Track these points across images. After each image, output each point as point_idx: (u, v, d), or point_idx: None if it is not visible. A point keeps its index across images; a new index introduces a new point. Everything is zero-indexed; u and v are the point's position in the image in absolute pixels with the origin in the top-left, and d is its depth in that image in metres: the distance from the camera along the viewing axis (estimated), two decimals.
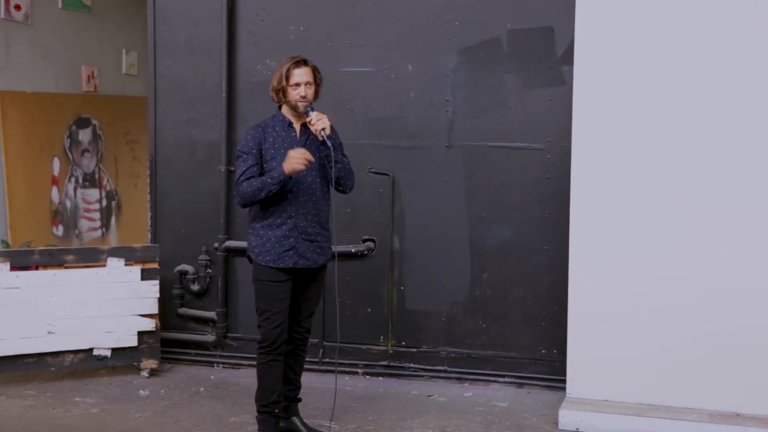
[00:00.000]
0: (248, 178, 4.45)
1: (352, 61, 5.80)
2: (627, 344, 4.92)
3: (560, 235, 5.30)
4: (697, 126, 4.78)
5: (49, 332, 5.62)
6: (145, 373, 5.82)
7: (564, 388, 5.12)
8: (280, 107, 4.61)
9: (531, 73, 5.50)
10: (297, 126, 4.57)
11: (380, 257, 5.83)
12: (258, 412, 4.62)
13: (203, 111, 6.06)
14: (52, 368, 5.70)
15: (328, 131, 4.43)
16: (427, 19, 5.66)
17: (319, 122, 4.42)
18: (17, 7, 7.15)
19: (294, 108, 4.51)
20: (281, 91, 4.51)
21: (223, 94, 5.95)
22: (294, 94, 4.48)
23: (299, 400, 4.79)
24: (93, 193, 8.19)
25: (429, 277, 5.76)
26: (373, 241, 5.84)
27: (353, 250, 5.83)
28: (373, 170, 5.79)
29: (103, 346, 5.74)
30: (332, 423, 4.91)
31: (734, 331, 4.75)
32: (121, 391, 5.56)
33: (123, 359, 5.80)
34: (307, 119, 4.45)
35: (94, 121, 8.15)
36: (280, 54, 5.85)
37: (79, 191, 8.01)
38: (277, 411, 4.62)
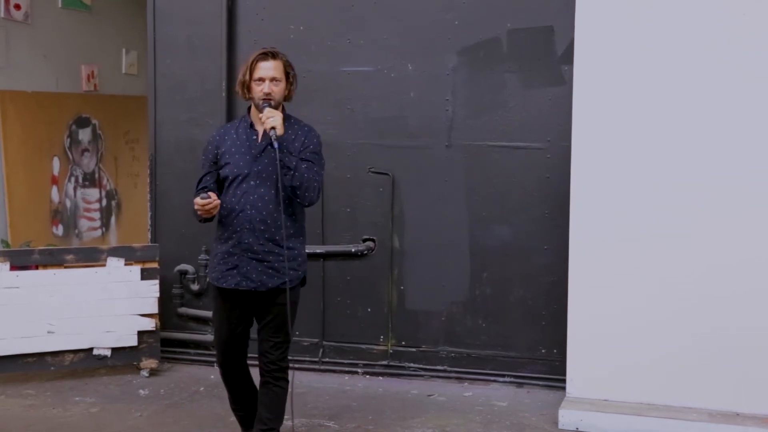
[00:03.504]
0: (203, 188, 4.07)
1: (352, 61, 5.80)
2: (627, 344, 4.91)
3: (560, 235, 5.30)
4: (697, 125, 4.78)
5: (49, 332, 5.62)
6: (145, 373, 5.82)
7: (564, 388, 5.12)
8: (250, 107, 4.15)
9: (531, 72, 5.50)
10: (260, 128, 4.05)
11: (380, 257, 5.83)
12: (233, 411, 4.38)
13: (203, 111, 6.06)
14: (52, 368, 5.70)
15: (279, 131, 3.90)
16: (427, 19, 5.66)
17: (269, 120, 3.89)
18: (17, 7, 7.15)
19: (257, 106, 4.01)
20: (245, 87, 4.02)
21: (223, 94, 5.95)
22: (257, 90, 3.97)
23: None
24: (93, 193, 8.19)
25: (429, 276, 5.76)
26: (373, 240, 5.84)
27: (353, 250, 5.83)
28: (373, 170, 5.79)
29: (103, 345, 5.74)
30: (333, 423, 4.92)
31: (734, 330, 4.75)
32: (121, 391, 5.56)
33: (123, 359, 5.80)
34: (260, 116, 3.98)
35: (94, 121, 8.15)
36: None
37: (79, 191, 8.00)
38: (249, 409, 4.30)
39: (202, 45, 6.04)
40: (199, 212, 3.93)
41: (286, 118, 4.08)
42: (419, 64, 5.69)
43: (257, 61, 3.98)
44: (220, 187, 4.12)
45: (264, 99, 3.97)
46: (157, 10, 6.11)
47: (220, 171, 4.07)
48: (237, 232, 4.02)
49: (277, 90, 3.99)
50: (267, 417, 4.16)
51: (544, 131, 5.49)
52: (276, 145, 3.90)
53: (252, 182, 4.00)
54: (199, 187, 4.10)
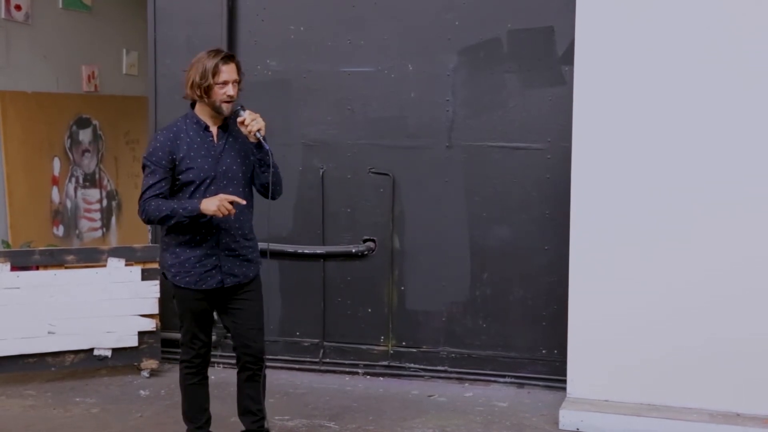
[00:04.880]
0: (156, 195, 4.02)
1: (352, 61, 5.80)
2: (627, 344, 4.91)
3: (560, 235, 5.30)
4: (698, 127, 4.77)
5: (49, 332, 5.62)
6: (145, 373, 5.82)
7: (564, 388, 5.12)
8: (192, 106, 4.13)
9: (531, 73, 5.50)
10: (214, 129, 4.10)
11: (380, 257, 5.83)
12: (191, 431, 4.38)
13: None
14: (53, 368, 5.70)
15: (263, 132, 4.02)
16: (427, 19, 5.66)
17: (254, 122, 3.98)
18: (17, 7, 7.15)
19: (216, 109, 4.04)
20: (204, 89, 3.99)
21: None
22: (220, 93, 3.99)
23: (267, 431, 4.39)
24: (93, 193, 8.19)
25: (429, 277, 5.77)
26: (373, 241, 5.84)
27: (353, 250, 5.83)
28: (373, 170, 5.79)
29: (103, 346, 5.74)
30: (333, 423, 4.91)
31: (734, 331, 4.74)
32: (122, 391, 5.56)
33: (123, 359, 5.80)
34: (239, 119, 4.01)
35: (95, 121, 8.15)
36: (280, 54, 5.90)
37: (80, 191, 8.01)
38: (210, 429, 4.42)
39: (202, 45, 5.98)
40: (224, 208, 3.94)
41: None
42: (419, 64, 5.69)
43: (221, 65, 3.99)
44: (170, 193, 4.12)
45: (227, 103, 4.02)
46: (157, 10, 6.11)
47: (181, 176, 4.05)
48: (213, 234, 4.09)
49: (236, 92, 4.05)
50: (257, 409, 4.31)
51: (544, 131, 5.49)
52: (267, 146, 4.06)
53: (221, 184, 4.07)
54: (154, 193, 4.04)
